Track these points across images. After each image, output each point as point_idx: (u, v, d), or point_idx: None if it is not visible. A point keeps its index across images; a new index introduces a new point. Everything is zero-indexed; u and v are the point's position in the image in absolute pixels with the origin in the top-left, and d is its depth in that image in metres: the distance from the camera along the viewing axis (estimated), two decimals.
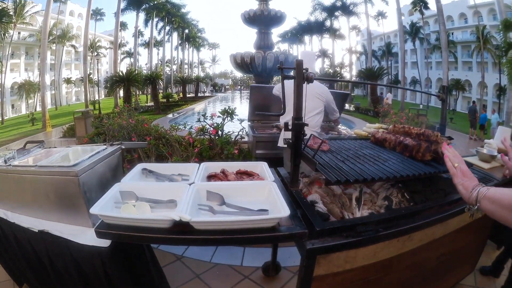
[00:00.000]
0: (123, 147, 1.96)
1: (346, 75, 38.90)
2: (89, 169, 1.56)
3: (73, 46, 36.22)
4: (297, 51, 43.63)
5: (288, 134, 1.48)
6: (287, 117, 2.65)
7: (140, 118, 4.76)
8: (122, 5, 26.96)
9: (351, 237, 1.20)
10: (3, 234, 1.78)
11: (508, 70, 16.16)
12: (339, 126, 4.17)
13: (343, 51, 44.53)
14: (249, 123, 4.24)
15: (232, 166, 1.70)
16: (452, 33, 31.96)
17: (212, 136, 3.77)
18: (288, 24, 44.74)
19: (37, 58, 28.64)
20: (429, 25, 34.60)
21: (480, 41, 25.72)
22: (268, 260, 2.19)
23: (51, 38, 28.62)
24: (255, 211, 1.23)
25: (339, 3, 33.41)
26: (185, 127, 4.16)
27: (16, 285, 2.04)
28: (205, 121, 3.90)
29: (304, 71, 1.38)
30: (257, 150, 3.66)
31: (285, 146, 2.21)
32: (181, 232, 1.14)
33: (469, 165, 1.46)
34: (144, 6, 31.51)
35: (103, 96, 36.68)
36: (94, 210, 1.16)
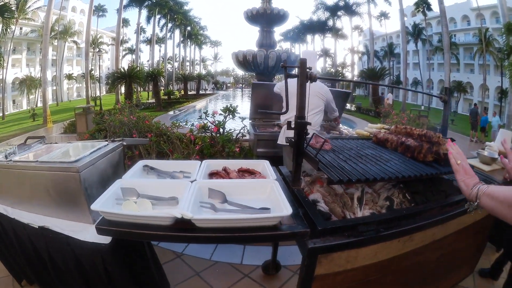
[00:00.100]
0: (124, 143, 1.96)
1: (348, 74, 38.87)
2: (90, 165, 1.56)
3: (75, 42, 36.22)
4: (299, 50, 43.63)
5: (290, 133, 1.48)
6: (288, 115, 2.67)
7: (141, 115, 4.75)
8: (125, 1, 26.93)
9: (353, 237, 1.19)
10: (3, 230, 1.78)
11: (510, 73, 16.15)
12: (339, 126, 4.16)
13: (345, 51, 44.43)
14: (251, 121, 4.24)
15: (234, 164, 1.70)
16: (455, 35, 31.87)
17: (214, 134, 3.77)
18: (290, 23, 44.92)
19: (39, 54, 28.62)
20: (431, 26, 34.49)
21: (482, 44, 25.64)
22: (268, 259, 2.19)
23: (53, 34, 28.54)
24: (257, 210, 1.22)
25: (342, 3, 33.36)
26: (186, 124, 4.15)
27: (15, 281, 2.03)
28: (206, 119, 3.90)
29: (307, 70, 1.38)
30: (258, 149, 3.66)
31: (285, 144, 2.22)
32: (183, 229, 1.14)
33: (470, 167, 1.46)
34: (146, 3, 31.48)
35: (104, 93, 36.56)
36: (95, 206, 1.15)
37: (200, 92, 31.96)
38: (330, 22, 36.48)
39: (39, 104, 26.14)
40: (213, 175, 1.61)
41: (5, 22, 21.15)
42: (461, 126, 17.23)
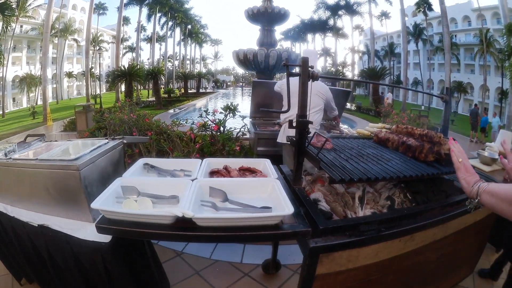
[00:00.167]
0: (125, 141, 1.95)
1: (348, 74, 38.86)
2: (91, 163, 1.55)
3: (75, 40, 36.11)
4: (299, 49, 43.60)
5: (290, 131, 1.47)
6: (289, 114, 2.66)
7: (142, 113, 4.74)
8: None
9: (354, 236, 1.19)
10: (2, 228, 1.77)
11: (511, 74, 16.15)
12: (340, 125, 4.16)
13: (346, 50, 44.46)
14: (251, 119, 4.23)
15: (235, 163, 1.69)
16: (456, 35, 31.81)
17: (214, 132, 3.76)
18: (291, 22, 44.82)
19: (39, 52, 28.58)
20: (432, 26, 34.43)
21: (483, 44, 25.61)
22: (268, 258, 2.18)
23: (53, 32, 28.42)
24: (259, 209, 1.22)
25: (343, 2, 33.35)
26: (186, 123, 4.15)
27: (14, 280, 2.02)
28: (207, 117, 3.89)
29: (309, 68, 1.37)
30: (258, 147, 3.66)
31: (285, 142, 2.22)
32: (184, 228, 1.13)
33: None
34: (147, 1, 31.47)
35: (104, 91, 36.49)
36: (95, 205, 1.14)
37: (200, 90, 31.95)
38: (331, 22, 36.48)
39: (39, 102, 26.07)
40: (214, 173, 1.60)
41: (5, 20, 21.11)
42: (461, 126, 17.23)
